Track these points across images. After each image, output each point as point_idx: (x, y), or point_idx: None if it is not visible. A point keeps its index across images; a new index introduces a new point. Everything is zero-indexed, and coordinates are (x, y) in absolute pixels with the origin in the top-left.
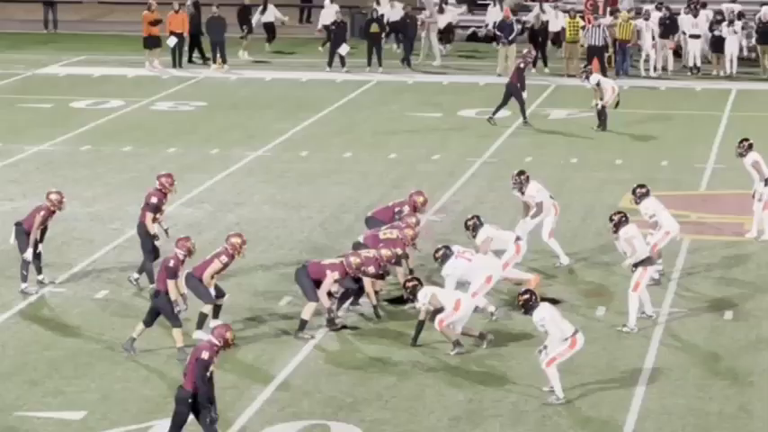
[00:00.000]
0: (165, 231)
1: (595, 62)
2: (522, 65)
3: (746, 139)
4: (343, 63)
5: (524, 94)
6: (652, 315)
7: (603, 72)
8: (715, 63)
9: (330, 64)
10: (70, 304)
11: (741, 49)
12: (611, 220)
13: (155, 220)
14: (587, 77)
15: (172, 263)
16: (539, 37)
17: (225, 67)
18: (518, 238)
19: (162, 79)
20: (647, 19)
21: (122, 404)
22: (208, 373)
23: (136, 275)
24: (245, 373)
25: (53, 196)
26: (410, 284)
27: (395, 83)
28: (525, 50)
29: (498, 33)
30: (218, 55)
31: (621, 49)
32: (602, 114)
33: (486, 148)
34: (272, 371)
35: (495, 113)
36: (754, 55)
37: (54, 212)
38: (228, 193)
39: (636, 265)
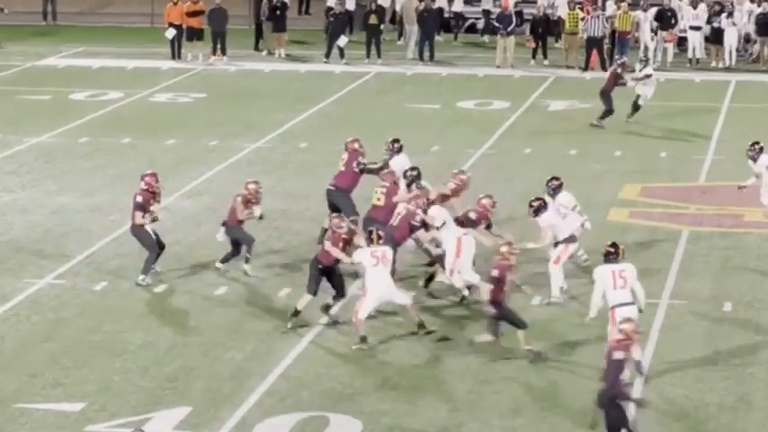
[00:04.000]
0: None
1: (594, 54)
2: (619, 70)
3: (758, 142)
4: (342, 54)
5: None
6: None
7: (603, 64)
8: (714, 55)
9: (328, 55)
10: (69, 296)
11: (741, 41)
12: (530, 206)
13: (144, 217)
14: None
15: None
16: (539, 28)
17: (224, 59)
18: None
19: (161, 71)
20: (645, 10)
21: (121, 396)
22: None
23: (142, 277)
24: (244, 365)
25: (251, 186)
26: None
27: (394, 74)
28: (618, 58)
29: (497, 25)
30: (219, 46)
31: (621, 41)
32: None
33: (486, 139)
34: (271, 362)
35: (602, 119)
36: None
37: (249, 201)
38: (227, 184)
39: (557, 243)
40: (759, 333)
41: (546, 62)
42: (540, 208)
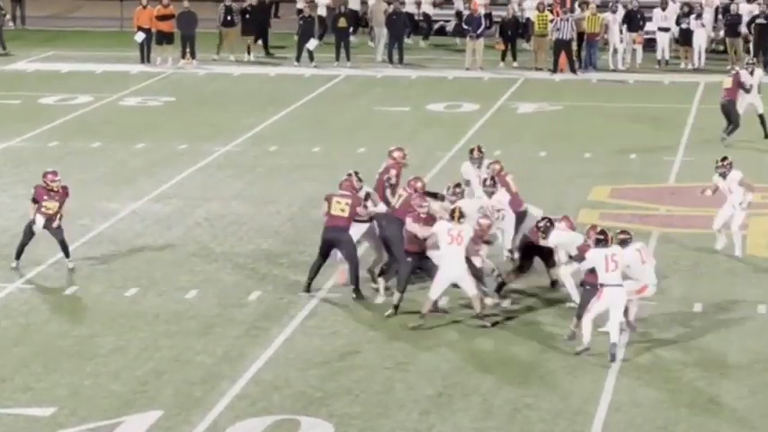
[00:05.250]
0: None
1: (563, 56)
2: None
3: (726, 158)
4: (311, 58)
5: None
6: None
7: (572, 66)
8: (683, 56)
9: (298, 59)
10: (39, 300)
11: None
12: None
13: (38, 210)
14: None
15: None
16: (508, 30)
17: (194, 63)
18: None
19: (131, 75)
20: (614, 12)
21: (92, 400)
22: None
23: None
24: (215, 368)
25: (396, 153)
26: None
27: (363, 77)
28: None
29: (466, 27)
30: (188, 50)
31: (589, 43)
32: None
33: (455, 141)
34: (242, 366)
35: (729, 134)
36: (722, 47)
37: (400, 167)
38: (197, 188)
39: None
40: (729, 334)
41: (515, 64)
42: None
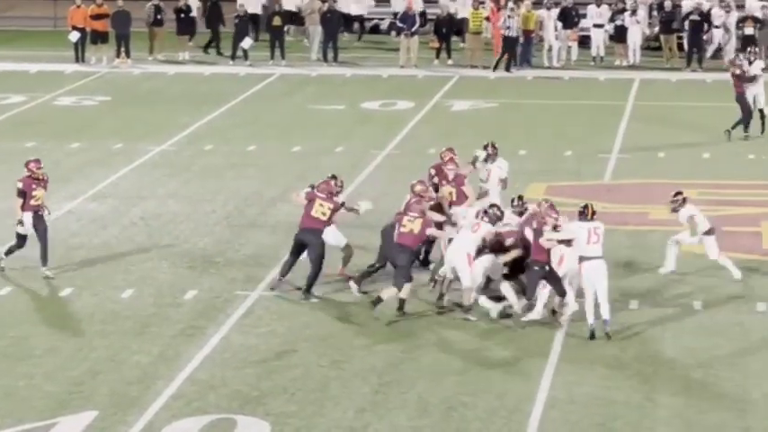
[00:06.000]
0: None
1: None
2: (737, 72)
3: (680, 192)
4: (246, 56)
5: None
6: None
7: (508, 64)
8: (618, 53)
9: (233, 57)
10: None
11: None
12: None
13: (26, 204)
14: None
15: None
16: (443, 28)
17: (128, 62)
18: None
19: (65, 74)
20: (549, 9)
21: (26, 401)
22: None
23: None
24: (150, 368)
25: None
26: None
27: (298, 75)
28: (733, 58)
29: (401, 25)
30: (123, 49)
31: (525, 40)
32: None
33: (390, 140)
34: (177, 365)
35: (745, 129)
36: (656, 44)
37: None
38: (133, 187)
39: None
40: (665, 331)
41: (450, 62)
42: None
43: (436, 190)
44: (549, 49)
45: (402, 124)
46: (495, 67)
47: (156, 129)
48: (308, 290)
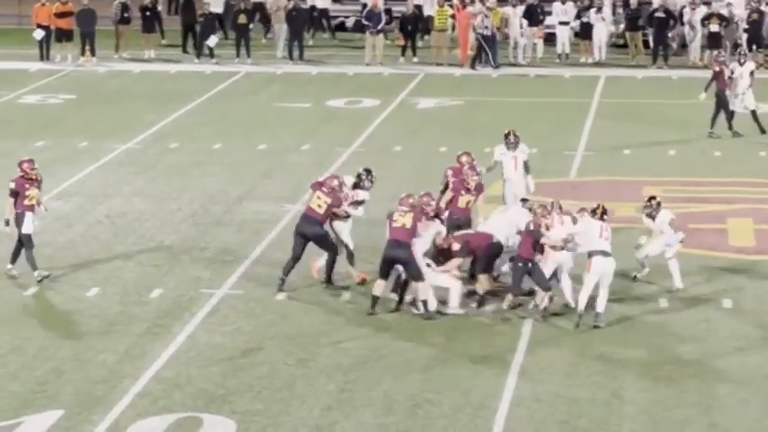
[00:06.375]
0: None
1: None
2: (717, 68)
3: (654, 197)
4: (211, 54)
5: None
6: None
7: (473, 62)
8: (583, 50)
9: (199, 56)
10: None
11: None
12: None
13: (20, 204)
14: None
15: None
16: (408, 26)
17: (93, 60)
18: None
19: (30, 72)
20: (514, 6)
21: None
22: None
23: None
24: (116, 367)
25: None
26: None
27: (264, 73)
28: (716, 53)
29: (366, 23)
30: (87, 47)
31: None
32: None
33: (356, 137)
34: (143, 364)
35: (712, 125)
36: (622, 41)
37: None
38: (98, 185)
39: None
40: (629, 328)
41: (415, 59)
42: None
43: (445, 189)
44: (515, 47)
45: (368, 122)
46: (474, 64)
47: (121, 127)
48: (328, 279)
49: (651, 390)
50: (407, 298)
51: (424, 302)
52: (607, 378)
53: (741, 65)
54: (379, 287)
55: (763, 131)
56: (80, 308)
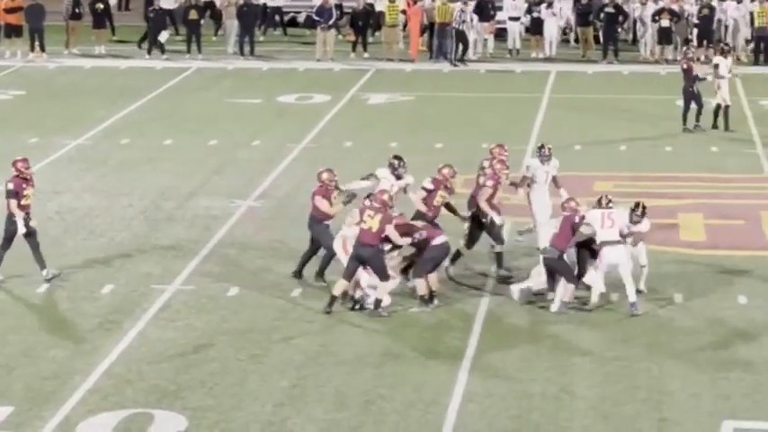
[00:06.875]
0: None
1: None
2: (684, 65)
3: (639, 204)
4: (162, 50)
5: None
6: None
7: (456, 55)
8: (534, 45)
9: (150, 51)
10: None
11: (561, 31)
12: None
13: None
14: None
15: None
16: (359, 21)
17: (43, 56)
18: None
19: None
20: (465, 2)
21: None
22: None
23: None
24: (67, 363)
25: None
26: None
27: (214, 69)
28: (686, 49)
29: (317, 18)
30: (37, 43)
31: (440, 32)
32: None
33: (306, 133)
34: (94, 360)
35: (697, 121)
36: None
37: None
38: (49, 181)
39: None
40: (581, 323)
41: (366, 55)
42: None
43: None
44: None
45: (318, 117)
46: (458, 60)
47: (71, 123)
48: (319, 274)
49: (601, 385)
50: (356, 295)
51: (378, 301)
52: (558, 373)
53: (725, 57)
54: (341, 287)
55: (715, 127)
56: (30, 304)
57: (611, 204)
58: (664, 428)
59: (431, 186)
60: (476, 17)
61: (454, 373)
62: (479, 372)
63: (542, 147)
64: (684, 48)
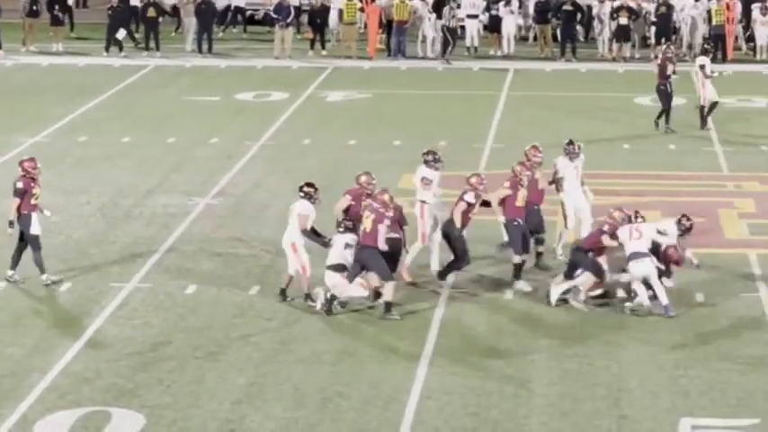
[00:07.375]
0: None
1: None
2: (659, 63)
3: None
4: (120, 47)
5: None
6: None
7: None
8: (492, 43)
9: (107, 49)
10: None
11: (519, 29)
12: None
13: (25, 205)
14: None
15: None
16: (317, 19)
17: (0, 53)
18: None
19: None
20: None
21: None
22: None
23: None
24: (24, 361)
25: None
26: None
27: (172, 67)
28: (663, 47)
29: (275, 16)
30: None
31: (398, 30)
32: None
33: (264, 131)
34: (51, 358)
35: (666, 120)
36: (531, 34)
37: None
38: (5, 180)
39: None
40: (540, 320)
41: (324, 52)
42: None
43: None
44: (423, 40)
45: (276, 115)
46: (444, 55)
47: (29, 120)
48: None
49: (560, 382)
50: (314, 292)
51: (389, 304)
52: (517, 370)
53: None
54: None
55: (703, 126)
56: None
57: (639, 218)
58: (623, 425)
59: (473, 200)
60: (433, 15)
61: (412, 370)
62: (438, 369)
63: (571, 143)
64: (664, 46)
